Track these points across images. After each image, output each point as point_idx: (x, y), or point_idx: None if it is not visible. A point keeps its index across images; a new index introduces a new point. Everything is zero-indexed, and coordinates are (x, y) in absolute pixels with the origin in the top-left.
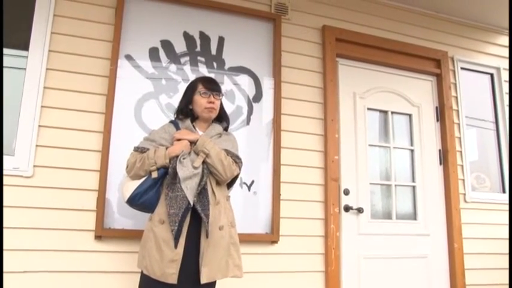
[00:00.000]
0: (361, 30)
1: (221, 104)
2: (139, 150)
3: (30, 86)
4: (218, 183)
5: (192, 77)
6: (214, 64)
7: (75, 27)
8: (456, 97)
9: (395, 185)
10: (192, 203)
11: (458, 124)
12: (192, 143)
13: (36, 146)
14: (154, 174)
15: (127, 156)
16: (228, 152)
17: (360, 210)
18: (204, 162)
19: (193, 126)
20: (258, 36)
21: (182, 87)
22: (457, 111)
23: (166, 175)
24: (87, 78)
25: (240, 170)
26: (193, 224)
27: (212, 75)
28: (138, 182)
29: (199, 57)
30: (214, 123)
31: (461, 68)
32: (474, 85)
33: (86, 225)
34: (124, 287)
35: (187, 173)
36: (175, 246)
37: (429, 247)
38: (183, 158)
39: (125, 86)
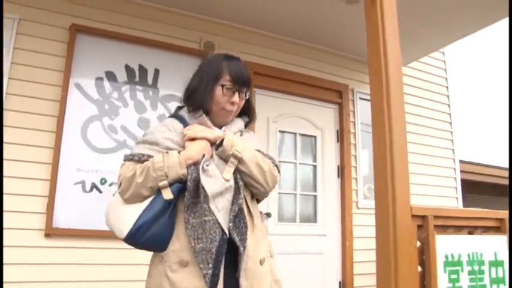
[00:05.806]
0: (275, 65)
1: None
2: (136, 158)
3: None
4: (252, 197)
5: (130, 102)
6: (150, 92)
7: (32, 58)
8: (354, 122)
9: (300, 194)
10: (227, 232)
11: (355, 145)
12: (213, 144)
13: None
14: (167, 194)
15: (75, 169)
16: (262, 154)
17: (268, 215)
18: (236, 170)
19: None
20: (188, 68)
21: (123, 111)
22: (354, 134)
23: (181, 193)
24: (41, 102)
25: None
26: (227, 261)
27: (148, 102)
28: (139, 207)
29: (137, 86)
30: (236, 117)
31: (360, 98)
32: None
33: (37, 225)
34: (68, 276)
35: (218, 186)
36: None
37: (326, 245)
38: (207, 165)
39: (74, 109)
